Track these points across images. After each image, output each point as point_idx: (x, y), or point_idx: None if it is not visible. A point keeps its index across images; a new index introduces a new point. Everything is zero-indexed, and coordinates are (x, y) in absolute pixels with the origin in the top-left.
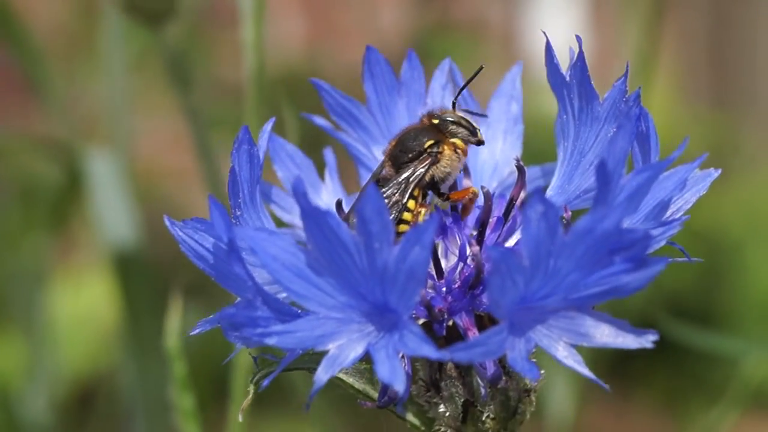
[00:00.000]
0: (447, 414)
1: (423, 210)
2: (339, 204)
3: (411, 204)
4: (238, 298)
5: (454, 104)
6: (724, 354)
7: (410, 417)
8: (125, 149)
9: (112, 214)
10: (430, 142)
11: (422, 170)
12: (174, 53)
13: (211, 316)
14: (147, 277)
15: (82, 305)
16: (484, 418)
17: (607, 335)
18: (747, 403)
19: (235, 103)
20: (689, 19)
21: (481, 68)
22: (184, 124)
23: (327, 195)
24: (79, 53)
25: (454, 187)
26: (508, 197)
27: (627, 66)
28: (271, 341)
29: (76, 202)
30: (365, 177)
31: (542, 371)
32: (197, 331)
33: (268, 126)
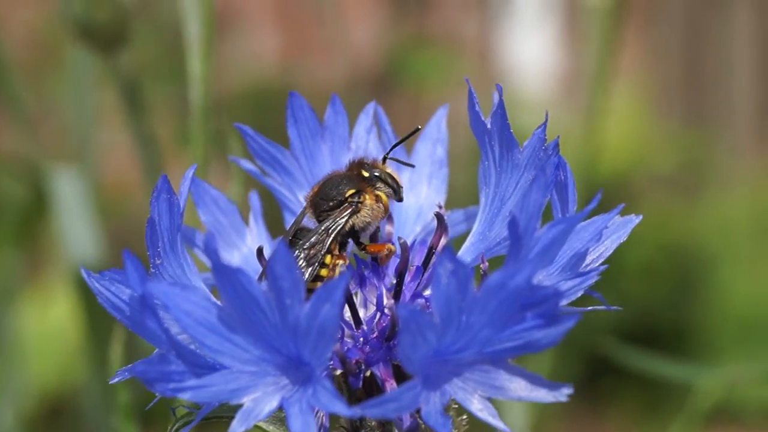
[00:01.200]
0: None
1: (340, 262)
2: (260, 251)
3: (328, 259)
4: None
5: (384, 158)
6: (671, 379)
7: None
8: (92, 165)
9: (75, 231)
10: (352, 191)
11: (342, 221)
12: (127, 79)
13: (128, 367)
14: None
15: (50, 321)
16: None
17: (521, 389)
18: (705, 419)
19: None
20: (663, 35)
21: (417, 129)
22: (137, 152)
23: (251, 240)
24: (49, 67)
25: (376, 233)
26: (429, 244)
27: (546, 116)
28: (185, 396)
29: (43, 219)
30: (290, 221)
31: (464, 417)
32: (117, 379)
33: (190, 172)
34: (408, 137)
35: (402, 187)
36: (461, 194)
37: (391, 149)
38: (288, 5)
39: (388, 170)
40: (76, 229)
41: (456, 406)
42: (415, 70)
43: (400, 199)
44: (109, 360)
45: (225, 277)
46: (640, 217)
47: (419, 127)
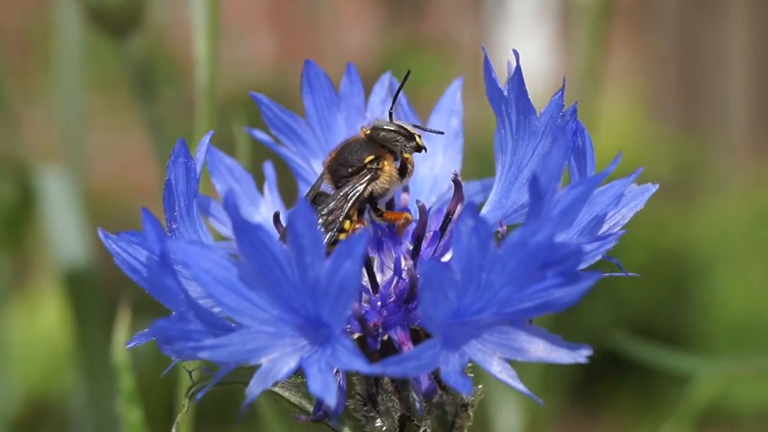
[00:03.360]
0: (384, 428)
1: (359, 227)
2: (276, 217)
3: (347, 224)
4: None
5: (390, 114)
6: (677, 370)
7: (347, 431)
8: (80, 167)
9: (63, 232)
10: (371, 157)
11: (361, 187)
12: (138, 65)
13: (146, 330)
14: (98, 296)
15: (37, 326)
16: None
17: (541, 350)
18: (699, 421)
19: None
20: (658, 40)
21: (408, 72)
22: (148, 138)
23: (266, 209)
24: (39, 68)
25: (392, 201)
26: (445, 211)
27: (564, 80)
28: (203, 355)
29: (30, 221)
30: (305, 190)
31: (480, 386)
32: (133, 344)
33: (206, 139)
34: (404, 83)
35: (417, 135)
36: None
37: (394, 99)
38: (282, 9)
39: (397, 122)
40: (63, 228)
41: (472, 375)
42: (410, 72)
43: (419, 147)
44: (98, 360)
45: (245, 234)
46: (657, 186)
47: (410, 70)
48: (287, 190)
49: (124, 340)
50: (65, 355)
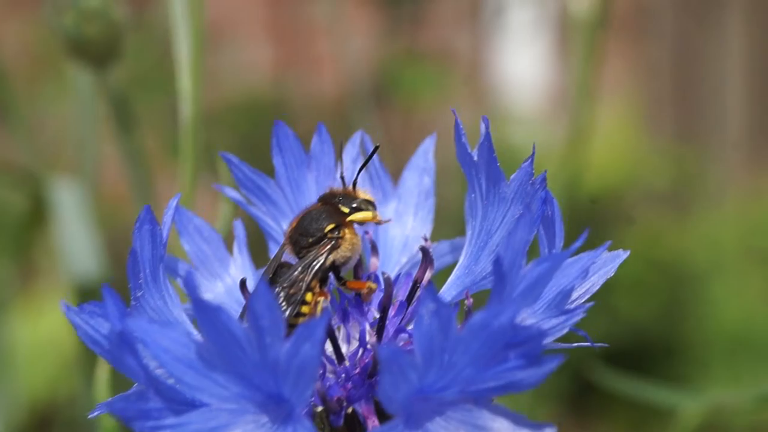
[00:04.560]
0: None
1: (321, 299)
2: (243, 283)
3: (308, 296)
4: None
5: (354, 184)
6: (657, 403)
7: None
8: (91, 176)
9: (75, 242)
10: (331, 226)
11: (322, 257)
12: (117, 96)
13: (107, 402)
14: None
15: (43, 332)
16: None
17: (504, 429)
18: None
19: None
20: (655, 51)
21: (377, 147)
22: (125, 169)
23: (235, 270)
24: (46, 78)
25: (360, 264)
26: (413, 279)
27: (534, 149)
28: None
29: (38, 228)
30: (274, 250)
31: None
32: (95, 413)
33: (174, 202)
34: (371, 156)
35: (376, 214)
36: (453, 205)
37: (357, 175)
38: (280, 17)
39: (362, 195)
40: (76, 238)
41: None
42: (408, 84)
43: (379, 222)
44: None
45: (205, 314)
46: (628, 252)
47: (377, 146)
48: (261, 243)
49: (104, 383)
50: (70, 361)
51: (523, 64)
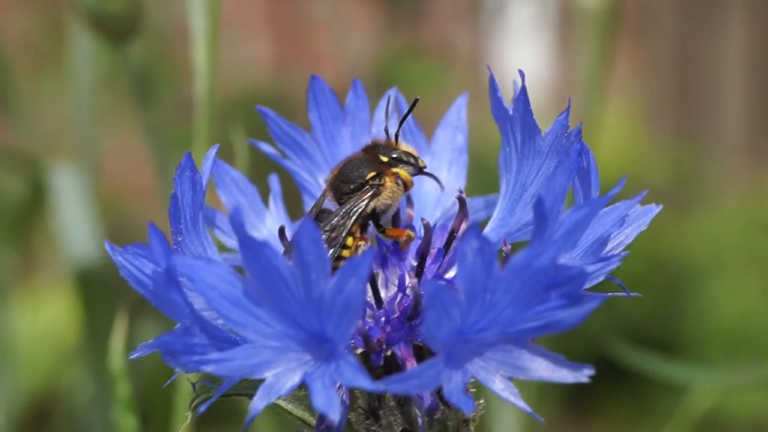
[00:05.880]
0: None
1: (362, 243)
2: (282, 231)
3: (349, 241)
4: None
5: (396, 136)
6: (673, 380)
7: None
8: (91, 165)
9: (75, 229)
10: (372, 173)
11: (363, 203)
12: (136, 71)
13: (151, 341)
14: (108, 293)
15: (42, 322)
16: None
17: (543, 369)
18: (693, 429)
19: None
20: (655, 50)
21: (416, 100)
22: (145, 143)
23: (271, 222)
24: (46, 69)
25: (397, 215)
26: (450, 228)
27: (569, 101)
28: (207, 369)
29: (38, 217)
30: (310, 204)
31: (482, 401)
32: (136, 355)
33: (212, 152)
34: (412, 108)
35: (420, 159)
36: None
37: (401, 124)
38: (280, 13)
39: (404, 147)
40: (75, 225)
41: (474, 390)
42: (408, 79)
43: (422, 171)
44: (106, 357)
45: (251, 250)
46: (660, 206)
47: (417, 99)
48: (291, 201)
49: (121, 347)
50: (70, 352)
51: (523, 59)
